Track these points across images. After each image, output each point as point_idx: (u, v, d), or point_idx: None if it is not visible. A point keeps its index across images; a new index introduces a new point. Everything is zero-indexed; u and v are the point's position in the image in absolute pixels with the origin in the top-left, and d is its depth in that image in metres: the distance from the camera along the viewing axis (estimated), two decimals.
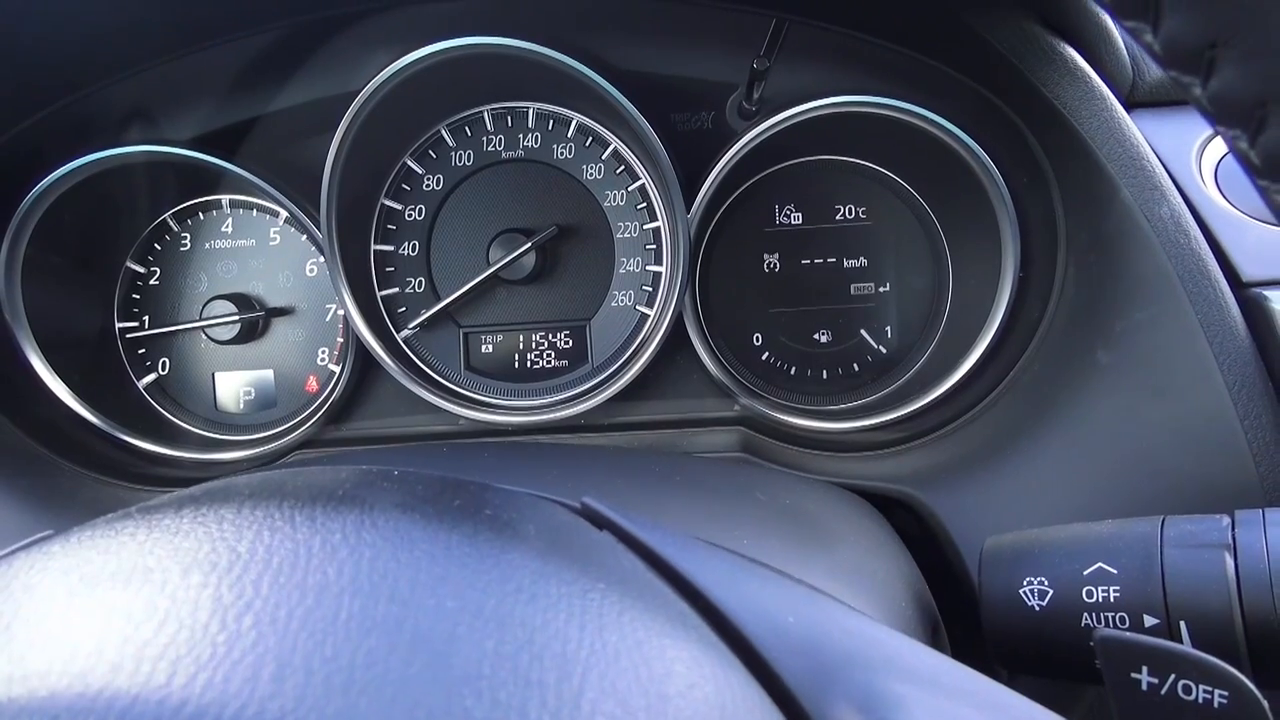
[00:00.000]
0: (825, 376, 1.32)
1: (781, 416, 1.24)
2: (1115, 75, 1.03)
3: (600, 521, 0.54)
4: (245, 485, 0.51)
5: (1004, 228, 1.11)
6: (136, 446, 1.25)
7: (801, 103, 1.14)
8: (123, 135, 1.17)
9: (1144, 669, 0.55)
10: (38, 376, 1.21)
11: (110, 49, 1.04)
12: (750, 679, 0.44)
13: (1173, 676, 0.53)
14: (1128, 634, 0.58)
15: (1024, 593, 0.74)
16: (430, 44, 1.12)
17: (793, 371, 1.32)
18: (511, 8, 1.16)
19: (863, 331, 1.31)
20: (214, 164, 1.18)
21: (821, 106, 1.11)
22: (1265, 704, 0.52)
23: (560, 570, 0.45)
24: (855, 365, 1.31)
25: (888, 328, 1.31)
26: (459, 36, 1.12)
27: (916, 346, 1.29)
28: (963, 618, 0.91)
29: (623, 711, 0.38)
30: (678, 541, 0.53)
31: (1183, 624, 0.67)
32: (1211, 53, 0.42)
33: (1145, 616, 0.68)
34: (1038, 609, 0.73)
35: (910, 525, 1.05)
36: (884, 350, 1.30)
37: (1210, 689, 0.52)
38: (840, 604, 0.52)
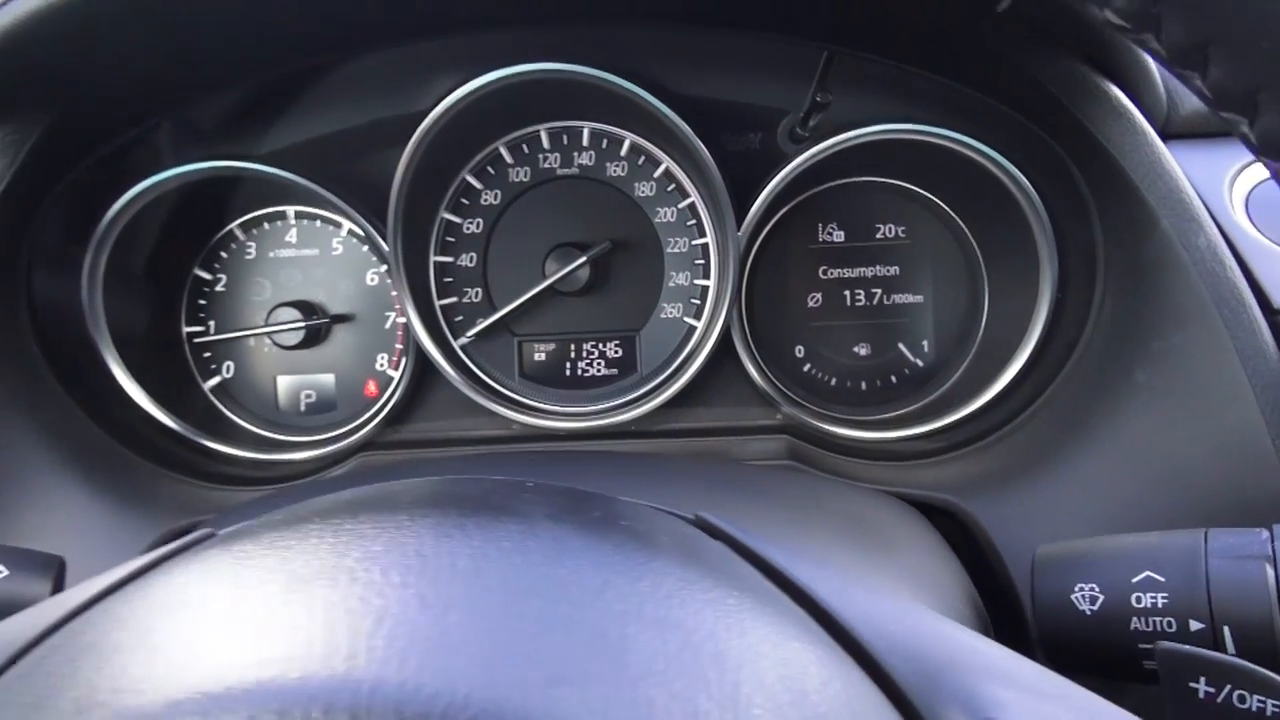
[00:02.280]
0: (864, 388, 1.38)
1: (823, 425, 1.29)
2: (1152, 108, 1.09)
3: (714, 532, 0.60)
4: (404, 493, 0.57)
5: (1043, 252, 1.17)
6: (208, 447, 1.31)
7: (849, 128, 1.20)
8: (204, 150, 1.23)
9: (1201, 679, 0.60)
10: (115, 380, 1.27)
11: (204, 72, 1.10)
12: (868, 680, 0.50)
13: (1228, 687, 0.59)
14: (1188, 647, 0.64)
15: (1075, 598, 0.80)
16: (499, 69, 1.18)
17: (833, 382, 1.38)
18: (572, 36, 1.22)
19: (900, 345, 1.37)
20: (288, 179, 1.24)
21: (872, 133, 1.17)
22: None
23: (699, 578, 0.51)
24: (893, 377, 1.37)
25: (924, 342, 1.37)
26: (520, 63, 1.18)
27: (952, 361, 1.35)
28: (1005, 621, 0.97)
29: (773, 705, 0.43)
30: (785, 552, 0.59)
31: (1226, 629, 0.72)
32: (1258, 96, 0.48)
33: (1191, 621, 0.74)
34: (1089, 613, 0.78)
35: (952, 533, 1.11)
36: (921, 363, 1.37)
37: (1264, 699, 0.58)
38: (933, 614, 0.58)
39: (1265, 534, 0.76)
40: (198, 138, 1.23)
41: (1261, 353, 0.94)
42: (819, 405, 1.34)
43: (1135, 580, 0.77)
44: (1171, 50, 0.56)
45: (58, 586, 0.87)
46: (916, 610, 0.57)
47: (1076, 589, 0.80)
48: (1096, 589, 0.79)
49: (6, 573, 0.86)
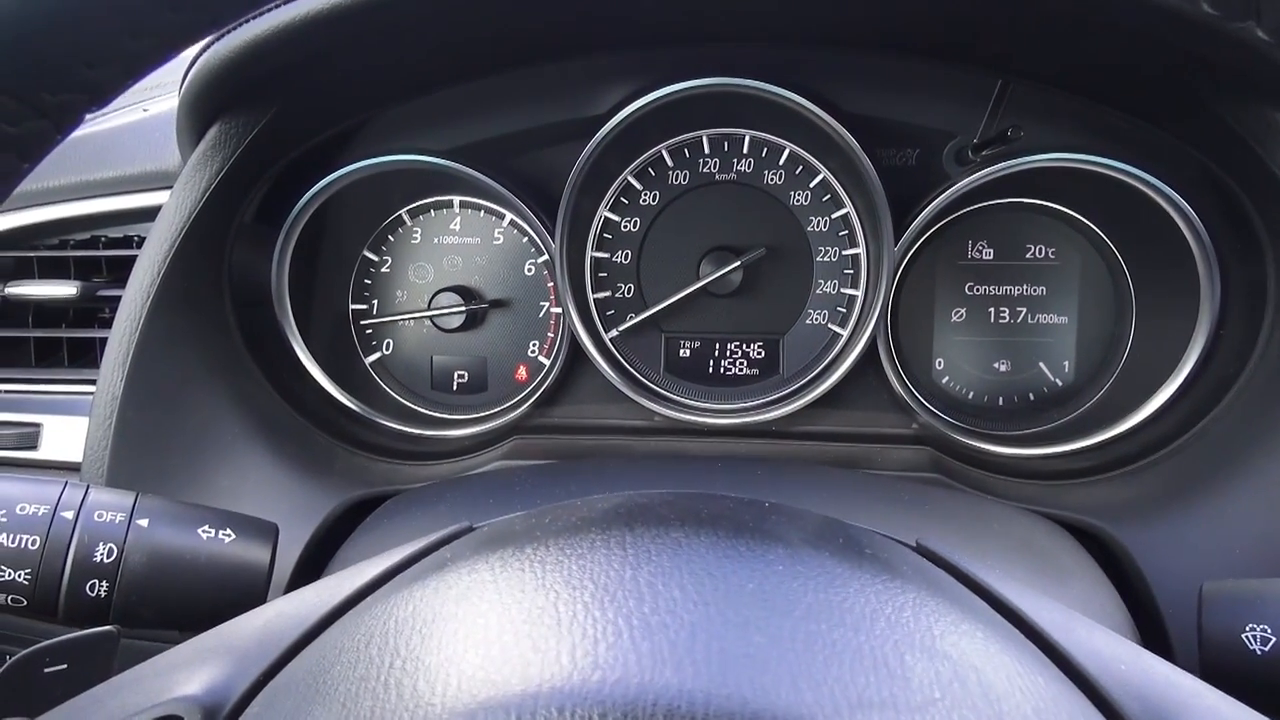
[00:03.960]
0: (1001, 403, 1.40)
1: (958, 438, 1.33)
2: None
3: (937, 560, 0.65)
4: (664, 508, 0.62)
5: (1204, 288, 1.18)
6: (375, 421, 1.39)
7: (1013, 154, 1.22)
8: (391, 145, 1.30)
9: None
10: (292, 351, 1.36)
11: (410, 80, 1.17)
12: (1102, 717, 0.54)
13: None
14: None
15: (1246, 637, 0.83)
16: (679, 81, 1.22)
17: (970, 396, 1.41)
18: (742, 53, 1.25)
19: (1041, 364, 1.39)
20: (468, 174, 1.30)
21: (1046, 161, 1.19)
22: None
23: (947, 608, 0.56)
24: (1031, 395, 1.40)
25: (1066, 362, 1.39)
26: (691, 76, 1.23)
27: (1093, 383, 1.37)
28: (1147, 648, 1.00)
29: None
30: (1002, 581, 0.63)
31: None
32: None
33: None
34: (1259, 653, 0.81)
35: (1094, 555, 1.14)
36: (1060, 383, 1.39)
37: None
38: (1149, 653, 0.62)
39: None
40: (389, 134, 1.30)
41: None
42: (955, 417, 1.37)
43: None
44: None
45: (274, 552, 0.95)
46: (1133, 648, 0.61)
47: (1248, 629, 0.83)
48: (1269, 630, 0.82)
49: (234, 536, 0.94)
